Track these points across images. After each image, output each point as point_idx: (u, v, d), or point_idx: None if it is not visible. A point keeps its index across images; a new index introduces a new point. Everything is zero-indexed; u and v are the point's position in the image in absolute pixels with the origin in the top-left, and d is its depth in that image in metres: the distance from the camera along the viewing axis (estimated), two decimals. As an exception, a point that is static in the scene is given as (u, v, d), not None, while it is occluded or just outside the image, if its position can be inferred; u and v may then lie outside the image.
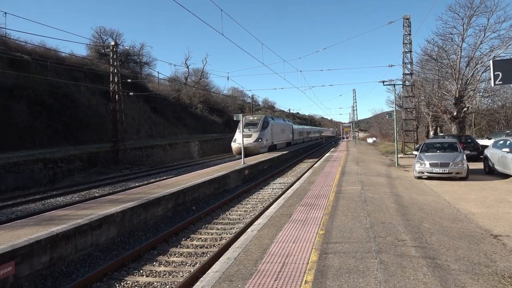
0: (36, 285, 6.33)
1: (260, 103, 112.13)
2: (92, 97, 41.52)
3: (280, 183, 18.34)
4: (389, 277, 4.81)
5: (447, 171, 14.96)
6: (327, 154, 33.34)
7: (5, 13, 17.52)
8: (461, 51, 28.84)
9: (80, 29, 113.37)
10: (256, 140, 30.45)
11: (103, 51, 54.15)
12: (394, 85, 25.73)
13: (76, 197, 16.50)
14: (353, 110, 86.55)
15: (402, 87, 32.79)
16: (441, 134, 37.44)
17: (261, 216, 9.11)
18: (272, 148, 34.60)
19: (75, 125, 35.29)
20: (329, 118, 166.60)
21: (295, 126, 54.08)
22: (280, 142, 38.60)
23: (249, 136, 30.08)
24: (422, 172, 15.49)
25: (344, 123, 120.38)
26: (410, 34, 32.58)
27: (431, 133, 41.28)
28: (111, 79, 30.99)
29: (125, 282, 6.54)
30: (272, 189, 16.64)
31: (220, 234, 9.49)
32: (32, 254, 6.47)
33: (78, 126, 35.67)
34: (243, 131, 27.85)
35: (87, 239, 7.89)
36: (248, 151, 28.51)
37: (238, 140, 28.73)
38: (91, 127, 37.49)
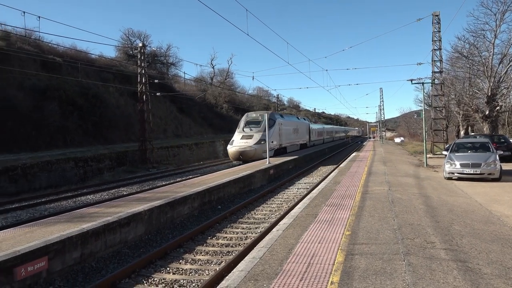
0: (68, 280, 6.53)
1: (285, 103, 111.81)
2: (120, 97, 42.50)
3: (305, 183, 18.23)
4: (418, 279, 4.70)
5: (478, 172, 14.50)
6: (353, 154, 32.92)
7: (39, 17, 18.12)
8: (493, 48, 27.85)
9: (109, 31, 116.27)
10: (258, 142, 24.57)
11: (131, 52, 55.29)
12: (422, 83, 25.11)
13: (106, 195, 16.93)
14: (380, 109, 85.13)
15: (431, 86, 32.04)
16: (473, 133, 36.29)
17: (286, 216, 9.09)
18: (280, 151, 29.14)
19: (105, 125, 36.21)
20: (355, 118, 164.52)
21: (313, 125, 47.70)
22: (292, 144, 32.98)
23: (250, 137, 25.10)
24: (452, 173, 15.07)
25: (371, 122, 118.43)
26: (439, 31, 31.76)
27: (462, 132, 40.06)
28: (138, 80, 31.60)
29: (152, 279, 6.66)
30: (297, 189, 16.57)
31: (245, 233, 9.52)
32: (64, 250, 6.68)
33: (107, 126, 36.58)
34: (243, 130, 26.08)
35: (116, 236, 8.08)
36: (247, 156, 24.25)
37: (236, 143, 24.94)
38: (120, 127, 38.39)
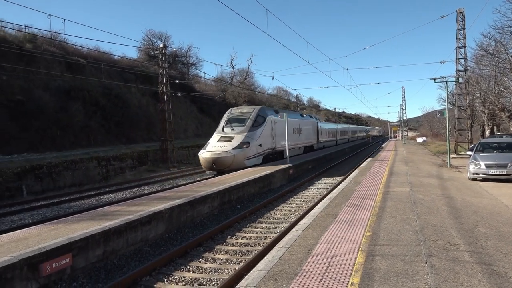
0: (91, 277, 6.67)
1: (305, 102, 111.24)
2: (142, 97, 43.16)
3: (325, 183, 18.10)
4: (441, 282, 4.60)
5: (505, 173, 14.12)
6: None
7: (64, 19, 18.64)
8: (521, 45, 27.04)
9: (131, 32, 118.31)
10: (239, 146, 18.89)
11: (152, 53, 56.06)
12: (446, 82, 24.60)
13: (127, 193, 17.22)
14: (402, 108, 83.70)
15: (455, 84, 31.30)
16: (498, 133, 35.27)
17: (306, 216, 9.05)
18: (274, 156, 22.98)
19: (127, 124, 36.85)
20: (376, 117, 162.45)
21: (323, 124, 40.44)
22: (292, 146, 25.38)
23: (229, 139, 19.47)
24: (477, 174, 14.72)
25: (392, 122, 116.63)
26: (464, 29, 31.02)
27: (487, 132, 39.01)
28: (160, 80, 32.01)
29: (172, 277, 6.73)
30: (317, 189, 16.47)
31: (264, 233, 9.53)
32: (87, 247, 6.82)
33: (129, 126, 37.22)
34: (222, 130, 20.89)
35: (137, 234, 8.20)
36: (222, 165, 18.41)
37: (211, 147, 19.33)
38: (141, 127, 39.00)
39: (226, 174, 17.16)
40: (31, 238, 6.75)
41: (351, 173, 19.67)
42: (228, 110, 22.71)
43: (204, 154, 18.87)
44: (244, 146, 19.07)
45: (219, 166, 18.43)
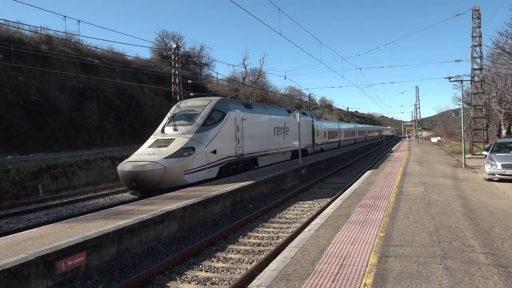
0: (105, 275, 6.75)
1: (318, 102, 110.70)
2: (155, 97, 43.47)
3: (338, 183, 18.00)
4: (455, 284, 4.54)
5: (522, 173, 13.85)
6: (386, 156, 32.21)
7: (79, 21, 18.89)
8: (538, 43, 26.53)
9: (145, 33, 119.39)
10: (175, 155, 13.21)
11: (165, 53, 56.42)
12: (461, 81, 24.25)
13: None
14: (416, 108, 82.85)
15: (471, 83, 30.87)
16: (515, 133, 34.65)
17: (318, 216, 9.01)
18: (241, 166, 17.25)
19: (140, 124, 37.17)
20: (389, 117, 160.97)
21: (320, 123, 33.56)
22: (271, 152, 20.24)
23: (166, 143, 14.04)
24: (493, 174, 14.48)
25: (406, 121, 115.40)
26: (479, 27, 30.58)
27: (504, 132, 38.29)
28: (172, 81, 32.26)
29: (185, 276, 6.77)
30: (330, 189, 16.39)
31: (276, 233, 9.52)
32: (101, 246, 6.91)
33: (142, 126, 37.51)
34: (162, 131, 15.48)
35: (150, 233, 8.27)
36: (146, 183, 12.52)
37: (136, 155, 13.87)
38: (154, 126, 38.86)
39: (158, 195, 11.51)
40: (47, 236, 6.86)
41: (364, 173, 19.53)
42: (177, 103, 17.33)
43: (122, 166, 12.92)
44: (185, 154, 13.28)
45: (141, 184, 12.42)
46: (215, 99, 16.73)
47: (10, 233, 7.19)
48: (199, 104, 16.09)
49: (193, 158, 13.53)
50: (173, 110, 16.64)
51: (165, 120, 16.06)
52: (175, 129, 14.90)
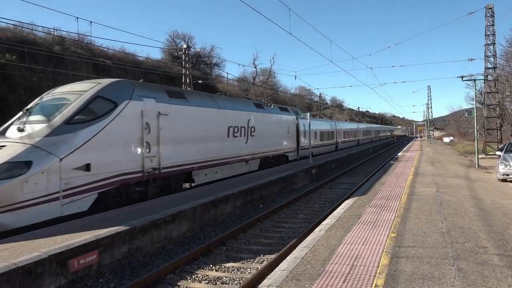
0: (116, 274, 6.81)
1: (328, 102, 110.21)
2: (166, 98, 43.73)
3: (348, 183, 17.90)
4: (468, 286, 4.48)
5: (536, 174, 13.63)
6: (397, 156, 31.93)
7: (91, 22, 19.08)
8: (554, 41, 26.07)
9: (156, 33, 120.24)
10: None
11: (176, 54, 56.72)
12: (474, 80, 23.91)
13: (151, 192, 17.44)
14: (428, 107, 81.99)
15: (484, 82, 30.43)
16: (530, 133, 34.09)
17: (329, 216, 8.98)
18: (159, 185, 11.72)
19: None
20: (401, 117, 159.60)
21: (307, 122, 23.03)
22: (216, 161, 14.26)
23: None
24: (507, 174, 14.27)
25: (418, 121, 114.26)
26: (493, 25, 30.16)
27: (518, 131, 37.76)
28: (183, 81, 32.40)
29: (195, 275, 6.80)
30: (340, 189, 16.31)
31: (287, 233, 9.50)
32: (113, 245, 6.97)
33: (153, 126, 37.75)
34: (5, 130, 9.29)
35: (161, 233, 8.32)
36: None
37: None
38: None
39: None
40: (59, 234, 6.94)
41: (375, 173, 19.39)
42: (51, 89, 11.16)
43: None
44: (5, 175, 7.51)
45: None
46: (105, 81, 10.81)
47: (24, 231, 7.29)
48: (77, 90, 10.29)
49: (24, 182, 7.61)
50: (38, 99, 10.64)
51: (20, 113, 9.91)
52: (22, 129, 8.93)
